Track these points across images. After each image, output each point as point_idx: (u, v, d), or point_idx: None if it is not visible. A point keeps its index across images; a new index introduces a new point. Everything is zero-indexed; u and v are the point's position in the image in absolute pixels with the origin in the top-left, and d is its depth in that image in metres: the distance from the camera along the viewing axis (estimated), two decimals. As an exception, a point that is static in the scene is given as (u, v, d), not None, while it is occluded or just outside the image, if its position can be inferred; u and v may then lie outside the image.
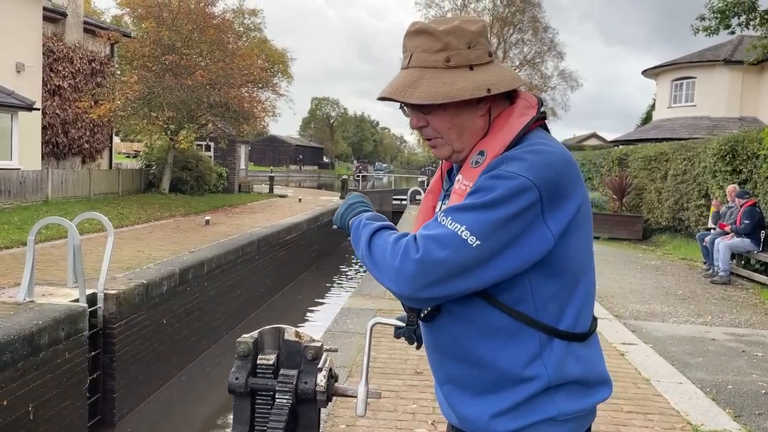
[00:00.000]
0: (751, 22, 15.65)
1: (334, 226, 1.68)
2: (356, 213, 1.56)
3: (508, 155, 1.37)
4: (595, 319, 1.54)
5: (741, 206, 10.25)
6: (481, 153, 1.43)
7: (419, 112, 1.47)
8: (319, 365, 1.69)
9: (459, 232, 1.31)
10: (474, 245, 1.30)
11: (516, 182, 1.31)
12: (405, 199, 25.50)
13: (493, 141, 1.43)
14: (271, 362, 1.68)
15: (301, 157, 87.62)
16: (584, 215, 1.41)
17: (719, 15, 15.70)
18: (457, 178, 1.47)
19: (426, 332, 1.54)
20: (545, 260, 1.36)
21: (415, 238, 1.36)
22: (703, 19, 16.13)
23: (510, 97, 1.50)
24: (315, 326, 11.84)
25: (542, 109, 1.48)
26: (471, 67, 1.42)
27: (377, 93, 1.52)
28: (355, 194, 1.66)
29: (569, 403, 1.42)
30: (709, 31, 16.00)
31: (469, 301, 1.40)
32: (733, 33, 16.70)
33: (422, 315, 1.47)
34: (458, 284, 1.32)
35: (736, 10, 15.52)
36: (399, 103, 1.51)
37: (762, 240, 10.10)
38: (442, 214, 1.36)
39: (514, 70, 37.85)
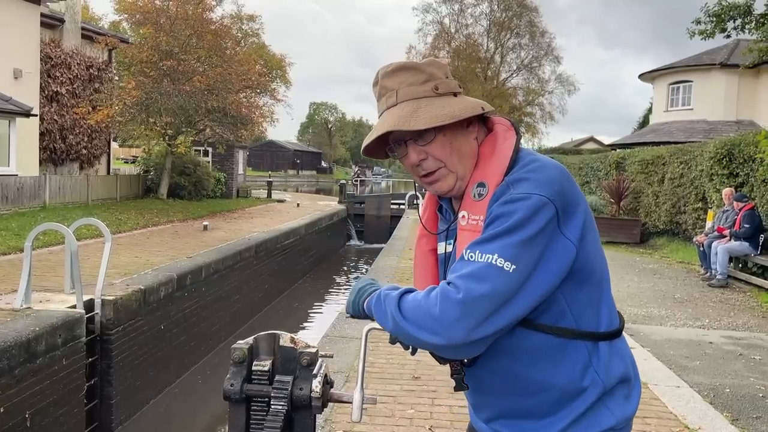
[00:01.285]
0: (747, 26, 15.71)
1: (347, 315, 1.61)
2: (369, 294, 1.52)
3: (510, 180, 1.38)
4: (620, 313, 1.55)
5: (740, 210, 10.27)
6: (482, 185, 1.42)
7: (417, 145, 1.45)
8: (315, 371, 1.69)
9: (493, 262, 1.29)
10: (511, 271, 1.29)
11: (532, 201, 1.33)
12: (403, 204, 25.51)
13: (489, 170, 1.43)
14: (266, 368, 1.68)
15: (299, 161, 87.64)
16: (590, 216, 1.43)
17: (715, 19, 15.77)
18: (461, 215, 1.45)
19: (469, 376, 1.50)
20: (572, 269, 1.37)
21: (449, 283, 1.32)
22: (699, 22, 16.19)
23: (484, 124, 1.54)
24: (313, 331, 11.83)
25: (518, 129, 1.52)
26: (455, 94, 1.47)
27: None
28: (362, 278, 1.61)
29: (621, 408, 1.44)
30: (705, 34, 16.06)
31: (511, 333, 1.39)
32: (729, 37, 16.76)
33: (465, 361, 1.45)
34: (507, 314, 1.30)
35: (731, 13, 15.58)
36: (385, 153, 1.55)
37: (760, 243, 10.11)
38: (468, 250, 1.34)
39: (512, 74, 37.70)
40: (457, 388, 1.50)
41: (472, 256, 1.32)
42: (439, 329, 1.29)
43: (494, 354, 1.42)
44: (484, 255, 1.30)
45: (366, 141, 1.51)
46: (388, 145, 1.51)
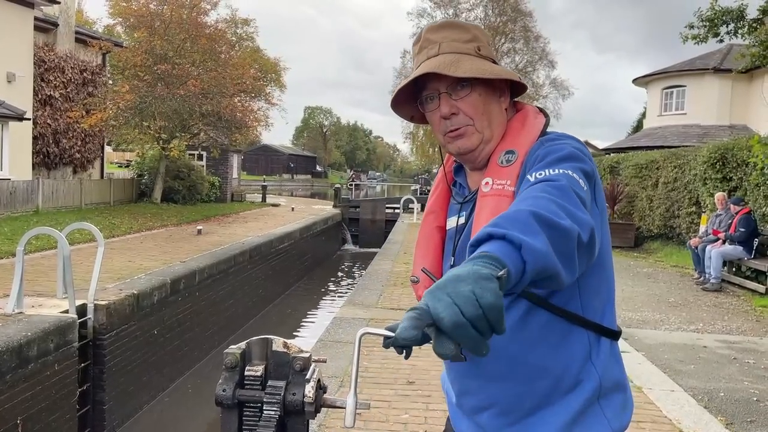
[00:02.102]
0: (740, 31, 15.77)
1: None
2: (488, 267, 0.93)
3: (544, 140, 1.37)
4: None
5: (737, 213, 10.31)
6: (510, 152, 1.40)
7: (451, 99, 1.41)
8: (308, 376, 1.68)
9: (571, 173, 1.21)
10: (586, 189, 1.22)
11: (578, 147, 1.32)
12: (398, 208, 25.52)
13: (519, 140, 1.42)
14: (258, 373, 1.67)
15: (294, 165, 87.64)
16: (603, 208, 1.37)
17: (708, 23, 15.83)
18: (484, 182, 1.40)
19: (467, 354, 1.37)
20: None
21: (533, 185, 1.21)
22: (692, 27, 16.25)
23: (513, 106, 1.53)
24: (307, 336, 11.80)
25: (547, 114, 1.51)
26: (494, 62, 1.46)
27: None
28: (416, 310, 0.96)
29: (618, 418, 1.39)
30: (697, 39, 16.11)
31: (520, 308, 1.34)
32: (721, 41, 16.81)
33: None
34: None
35: (724, 18, 15.64)
36: (410, 110, 1.51)
37: (754, 247, 10.15)
38: (533, 173, 1.24)
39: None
40: (454, 359, 1.39)
41: (542, 174, 1.22)
42: (579, 220, 1.09)
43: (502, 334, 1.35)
44: (556, 169, 1.22)
45: (401, 84, 1.46)
46: (419, 99, 1.47)
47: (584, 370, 1.34)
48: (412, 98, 1.49)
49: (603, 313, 1.39)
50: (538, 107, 1.51)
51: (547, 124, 1.45)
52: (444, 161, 1.61)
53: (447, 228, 1.55)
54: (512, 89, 1.50)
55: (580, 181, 1.22)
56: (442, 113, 1.42)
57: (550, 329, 1.33)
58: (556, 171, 1.22)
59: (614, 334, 1.41)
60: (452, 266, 1.45)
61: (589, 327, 1.35)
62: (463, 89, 1.41)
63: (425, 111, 1.47)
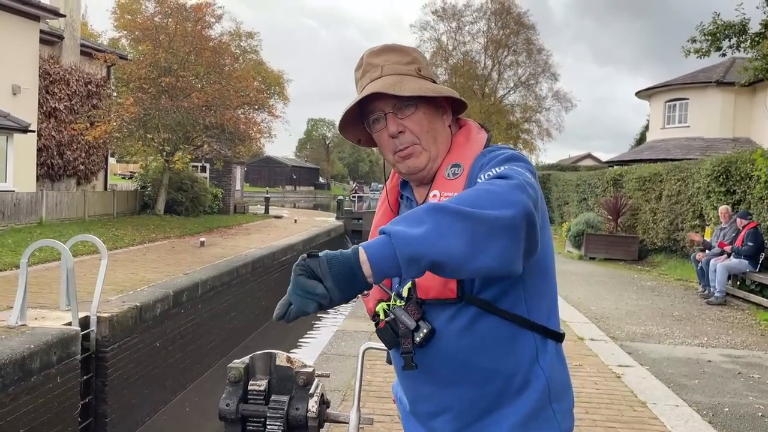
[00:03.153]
0: (742, 44, 15.81)
1: (278, 317, 1.31)
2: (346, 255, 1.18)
3: (486, 151, 1.45)
4: None
5: (743, 227, 10.27)
6: (456, 165, 1.46)
7: (397, 118, 1.46)
8: (311, 391, 1.68)
9: (519, 169, 1.31)
10: (533, 181, 1.29)
11: (515, 151, 1.41)
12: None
13: (463, 153, 1.47)
14: (262, 388, 1.67)
15: (296, 177, 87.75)
16: (544, 212, 1.39)
17: (710, 37, 15.88)
18: (431, 194, 1.45)
19: (419, 360, 1.41)
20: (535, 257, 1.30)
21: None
22: (694, 41, 16.30)
23: (456, 122, 1.59)
24: (310, 349, 11.76)
25: (488, 129, 1.58)
26: (434, 81, 1.53)
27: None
28: (300, 262, 1.24)
29: (568, 421, 1.45)
30: (700, 53, 16.15)
31: (469, 315, 1.38)
32: (724, 55, 16.86)
33: (417, 340, 1.39)
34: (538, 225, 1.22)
35: (726, 32, 15.69)
36: (357, 134, 1.57)
37: (760, 261, 10.10)
38: (483, 174, 1.35)
39: (509, 91, 37.76)
40: (405, 367, 1.41)
41: (490, 173, 1.33)
42: (510, 200, 1.16)
43: (447, 336, 1.38)
44: (502, 167, 1.33)
45: (347, 107, 1.49)
46: (366, 122, 1.51)
47: (532, 370, 1.40)
48: (359, 121, 1.54)
49: (548, 316, 1.44)
50: (479, 123, 1.57)
51: (489, 139, 1.51)
52: (387, 178, 1.64)
53: None
54: (454, 107, 1.55)
55: (527, 173, 1.29)
56: (390, 132, 1.47)
57: (499, 333, 1.39)
58: (502, 168, 1.32)
59: (559, 336, 1.46)
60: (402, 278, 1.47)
61: (536, 329, 1.41)
62: (407, 108, 1.46)
63: (373, 132, 1.51)
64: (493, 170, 1.33)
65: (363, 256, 1.13)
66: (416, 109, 1.46)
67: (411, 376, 1.47)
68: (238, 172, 29.44)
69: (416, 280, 1.39)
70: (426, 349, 1.39)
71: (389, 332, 1.41)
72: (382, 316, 1.44)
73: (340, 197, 31.62)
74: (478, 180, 1.35)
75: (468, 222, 1.11)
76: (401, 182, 1.61)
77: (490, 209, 1.13)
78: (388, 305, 1.44)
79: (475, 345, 1.38)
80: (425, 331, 1.37)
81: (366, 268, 1.13)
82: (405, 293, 1.42)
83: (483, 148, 1.47)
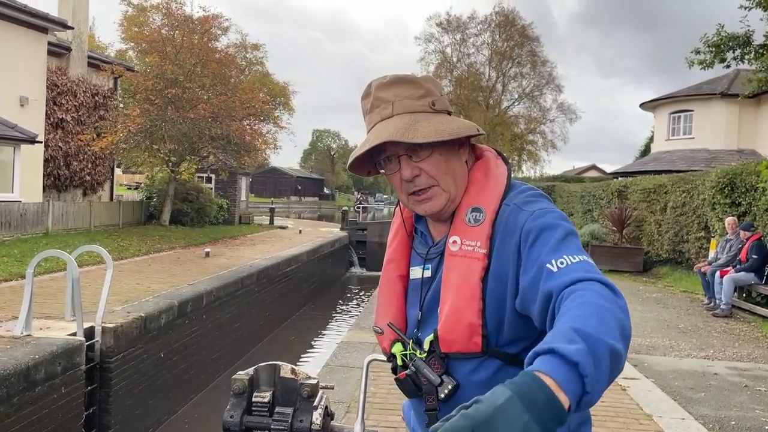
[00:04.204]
0: (746, 56, 15.85)
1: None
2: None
3: (518, 202, 1.34)
4: None
5: (747, 239, 10.23)
6: (477, 209, 1.36)
7: (412, 161, 1.37)
8: (315, 403, 1.68)
9: (586, 259, 1.18)
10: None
11: (551, 207, 1.32)
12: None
13: (484, 195, 1.38)
14: (266, 400, 1.67)
15: (301, 188, 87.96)
16: None
17: (714, 49, 15.91)
18: (451, 240, 1.37)
19: (443, 414, 1.34)
20: None
21: (586, 280, 1.12)
22: (698, 52, 16.33)
23: (471, 150, 1.50)
24: (314, 360, 11.75)
25: (507, 159, 1.49)
26: (449, 113, 1.43)
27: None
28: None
29: None
30: (704, 64, 16.19)
31: (492, 368, 1.34)
32: (728, 67, 16.90)
33: (442, 396, 1.34)
34: None
35: (730, 44, 15.73)
36: (368, 170, 1.48)
37: (766, 274, 10.05)
38: (553, 260, 1.18)
39: (513, 103, 37.78)
40: (429, 425, 1.34)
41: (563, 262, 1.17)
42: (625, 327, 1.03)
43: (469, 388, 1.33)
44: (575, 257, 1.18)
45: (357, 152, 1.41)
46: (376, 161, 1.43)
47: None
48: (369, 159, 1.45)
49: None
50: (496, 151, 1.49)
51: (509, 176, 1.42)
52: (401, 208, 1.56)
53: (411, 278, 1.51)
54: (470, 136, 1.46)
55: (589, 260, 1.19)
56: (404, 177, 1.38)
57: None
58: (576, 259, 1.17)
59: None
60: (419, 320, 1.45)
61: None
62: (423, 151, 1.36)
63: (385, 173, 1.43)
64: (565, 258, 1.17)
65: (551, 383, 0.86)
66: (432, 151, 1.36)
67: (426, 420, 1.42)
68: (244, 183, 29.52)
69: (439, 333, 1.35)
70: (451, 403, 1.35)
71: (410, 385, 1.37)
72: (399, 362, 1.40)
73: (345, 208, 31.64)
74: (549, 267, 1.17)
75: (612, 363, 0.95)
76: (415, 215, 1.53)
77: (615, 341, 0.97)
78: (407, 354, 1.40)
79: None
80: (450, 387, 1.33)
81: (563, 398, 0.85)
82: (426, 346, 1.37)
83: (504, 187, 1.38)
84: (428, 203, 1.39)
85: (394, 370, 1.42)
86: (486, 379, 1.33)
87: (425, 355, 1.36)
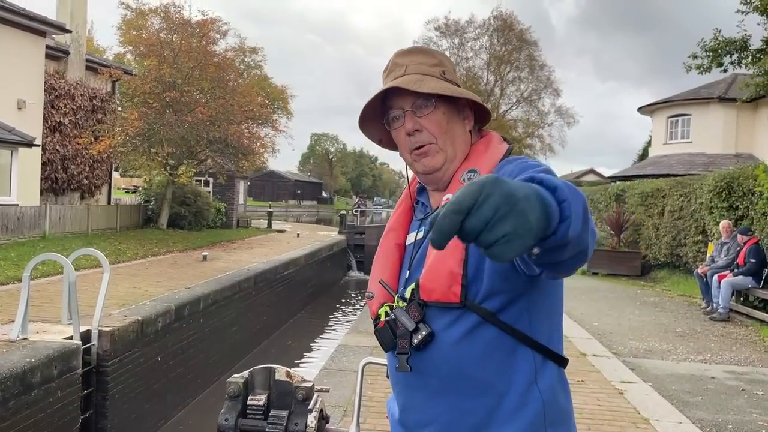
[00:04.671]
0: (743, 61, 15.90)
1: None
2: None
3: (511, 159, 1.41)
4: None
5: (744, 243, 10.24)
6: (473, 171, 1.44)
7: (416, 116, 1.46)
8: (310, 406, 1.68)
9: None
10: None
11: (547, 166, 1.33)
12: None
13: (482, 161, 1.46)
14: (261, 403, 1.67)
15: (300, 192, 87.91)
16: None
17: (711, 53, 15.97)
18: (446, 197, 1.43)
19: (414, 365, 1.40)
20: None
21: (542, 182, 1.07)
22: (695, 57, 16.38)
23: (478, 132, 1.57)
24: (311, 364, 11.73)
25: (510, 142, 1.55)
26: (458, 85, 1.52)
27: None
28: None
29: None
30: (701, 69, 16.24)
31: (469, 323, 1.35)
32: (725, 71, 16.96)
33: (415, 342, 1.36)
34: None
35: (728, 48, 15.78)
36: (377, 131, 1.56)
37: (764, 277, 10.06)
38: (535, 173, 1.12)
39: (512, 106, 37.89)
40: (399, 368, 1.39)
41: (542, 179, 1.10)
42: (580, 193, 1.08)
43: (444, 342, 1.36)
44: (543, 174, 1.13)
45: (367, 102, 1.50)
46: (385, 120, 1.52)
47: (529, 392, 1.35)
48: (380, 118, 1.54)
49: (550, 337, 1.40)
50: (502, 137, 1.56)
51: (510, 151, 1.48)
52: (409, 181, 1.63)
53: (407, 243, 1.56)
54: (478, 116, 1.54)
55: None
56: (407, 129, 1.46)
57: (497, 345, 1.35)
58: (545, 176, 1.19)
59: (561, 360, 1.42)
60: (407, 279, 1.48)
61: (536, 348, 1.37)
62: (426, 107, 1.45)
63: (391, 129, 1.51)
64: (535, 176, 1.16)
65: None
66: (435, 108, 1.45)
67: (403, 381, 1.45)
68: (242, 187, 29.51)
69: (420, 281, 1.38)
70: (422, 353, 1.38)
71: (387, 332, 1.40)
72: (382, 317, 1.43)
73: (343, 212, 31.62)
74: None
75: (584, 220, 1.04)
76: (418, 188, 1.60)
77: (588, 214, 1.06)
78: (391, 307, 1.43)
79: (472, 354, 1.35)
80: (424, 333, 1.35)
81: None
82: (408, 294, 1.41)
83: (503, 154, 1.46)
84: (426, 158, 1.47)
85: (376, 326, 1.44)
86: (461, 335, 1.35)
87: (406, 305, 1.39)
